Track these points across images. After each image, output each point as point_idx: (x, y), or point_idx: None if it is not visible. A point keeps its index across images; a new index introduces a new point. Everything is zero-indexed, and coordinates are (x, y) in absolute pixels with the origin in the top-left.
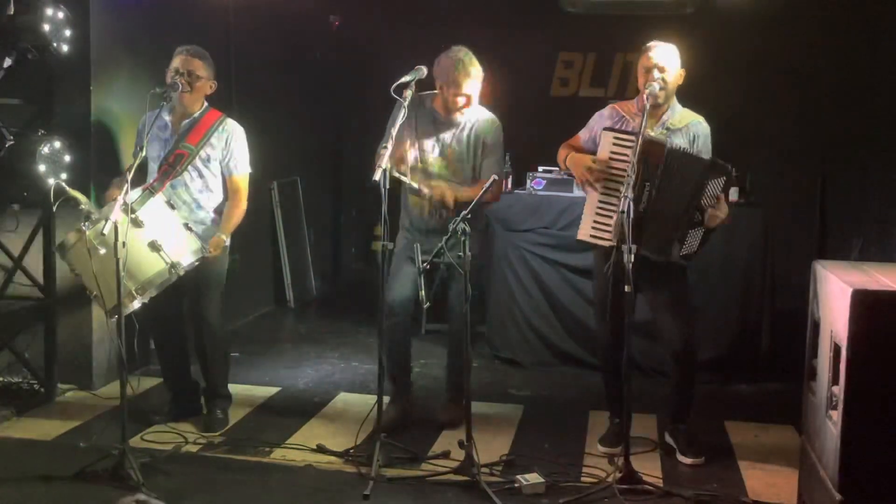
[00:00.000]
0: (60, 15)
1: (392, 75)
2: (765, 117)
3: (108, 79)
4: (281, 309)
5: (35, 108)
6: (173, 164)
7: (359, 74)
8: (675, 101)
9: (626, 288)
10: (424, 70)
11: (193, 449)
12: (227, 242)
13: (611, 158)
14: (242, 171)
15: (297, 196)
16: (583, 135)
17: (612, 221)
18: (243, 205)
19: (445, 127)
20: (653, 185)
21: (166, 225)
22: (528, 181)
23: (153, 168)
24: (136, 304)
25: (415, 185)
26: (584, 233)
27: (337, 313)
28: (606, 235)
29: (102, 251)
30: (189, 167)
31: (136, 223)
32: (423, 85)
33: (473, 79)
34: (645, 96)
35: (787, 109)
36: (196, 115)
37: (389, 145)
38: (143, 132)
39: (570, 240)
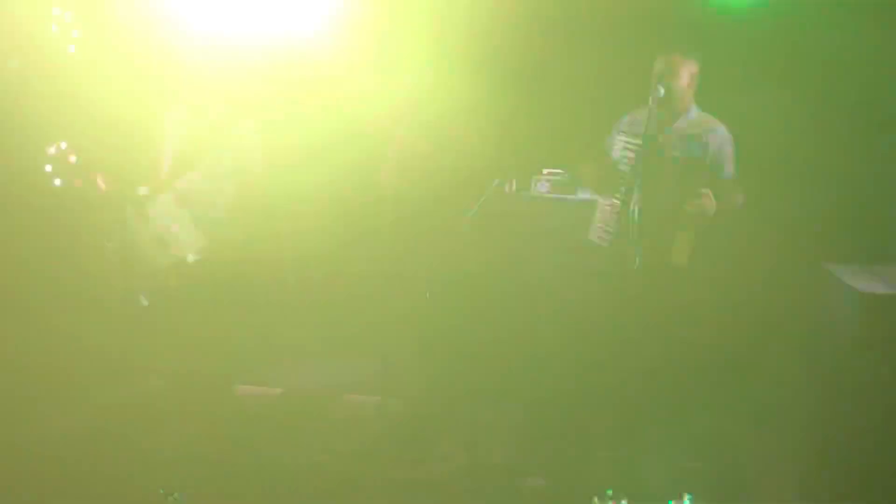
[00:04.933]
0: (70, 15)
1: None
2: None
3: (116, 79)
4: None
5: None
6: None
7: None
8: (691, 108)
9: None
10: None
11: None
12: None
13: (618, 160)
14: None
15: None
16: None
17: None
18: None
19: None
20: (649, 188)
21: (176, 221)
22: (533, 184)
23: (167, 166)
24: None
25: None
26: (592, 233)
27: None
28: (606, 237)
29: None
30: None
31: (144, 219)
32: None
33: None
34: (650, 101)
35: None
36: None
37: None
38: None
39: (574, 242)
